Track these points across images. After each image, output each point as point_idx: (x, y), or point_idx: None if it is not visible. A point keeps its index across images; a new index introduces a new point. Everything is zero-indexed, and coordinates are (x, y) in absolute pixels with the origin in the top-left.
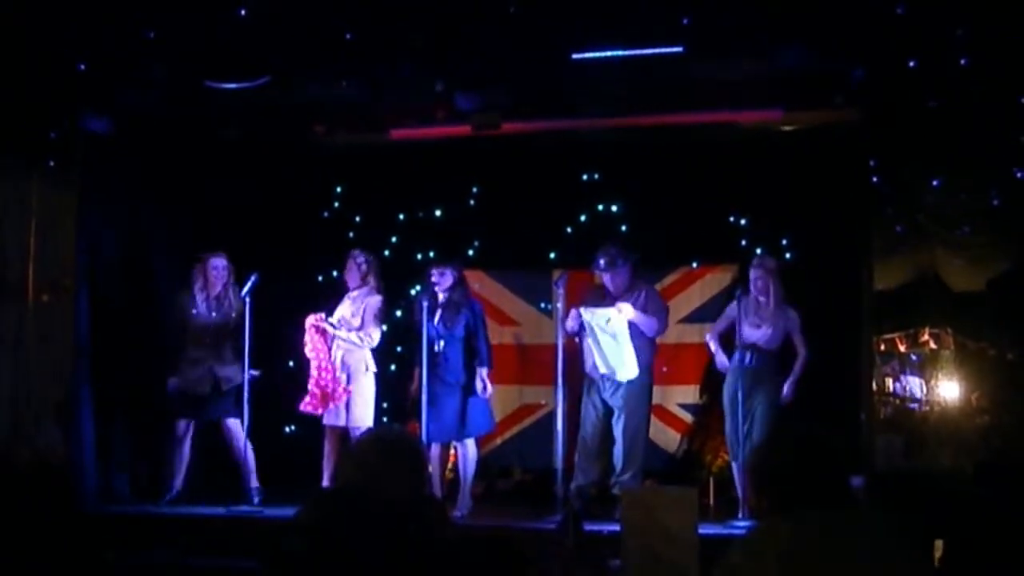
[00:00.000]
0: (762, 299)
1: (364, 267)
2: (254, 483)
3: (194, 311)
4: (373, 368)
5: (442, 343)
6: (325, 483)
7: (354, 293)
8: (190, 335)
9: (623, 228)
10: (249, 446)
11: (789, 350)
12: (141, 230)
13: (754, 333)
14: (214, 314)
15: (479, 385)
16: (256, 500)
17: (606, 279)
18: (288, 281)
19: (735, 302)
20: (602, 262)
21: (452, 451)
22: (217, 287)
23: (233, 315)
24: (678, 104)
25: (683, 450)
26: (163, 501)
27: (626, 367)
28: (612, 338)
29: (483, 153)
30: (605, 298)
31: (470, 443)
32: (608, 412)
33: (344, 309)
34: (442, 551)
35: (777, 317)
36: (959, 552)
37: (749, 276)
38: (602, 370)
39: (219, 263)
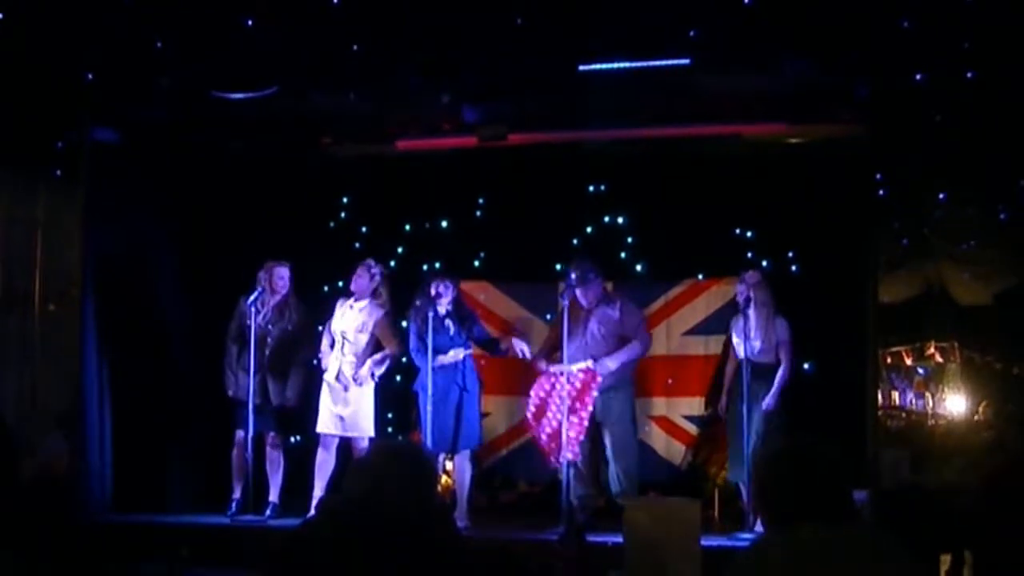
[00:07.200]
0: (749, 313)
1: (377, 278)
2: (273, 498)
3: (249, 320)
4: (371, 380)
5: (439, 355)
6: (317, 493)
7: (360, 304)
8: (247, 343)
9: (629, 240)
10: (282, 461)
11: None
12: (148, 240)
13: (746, 347)
14: (271, 326)
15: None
16: (269, 513)
17: (578, 293)
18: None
19: (736, 317)
20: (574, 277)
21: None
22: (279, 296)
23: (289, 327)
24: (684, 116)
25: (688, 462)
26: (229, 513)
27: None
28: None
29: (489, 164)
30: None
31: (465, 455)
32: (595, 429)
33: (350, 319)
34: (447, 562)
35: (766, 330)
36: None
37: (736, 291)
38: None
39: (284, 272)
